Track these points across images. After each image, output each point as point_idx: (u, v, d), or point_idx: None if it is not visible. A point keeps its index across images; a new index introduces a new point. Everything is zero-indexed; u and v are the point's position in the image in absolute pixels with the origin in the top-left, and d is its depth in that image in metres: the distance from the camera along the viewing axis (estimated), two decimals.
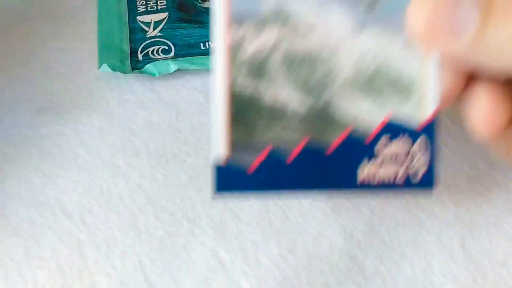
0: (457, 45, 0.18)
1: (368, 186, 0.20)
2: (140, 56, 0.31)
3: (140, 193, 0.27)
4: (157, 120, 0.29)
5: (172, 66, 0.30)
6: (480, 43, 0.17)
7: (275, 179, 0.20)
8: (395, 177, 0.20)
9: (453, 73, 0.20)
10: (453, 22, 0.17)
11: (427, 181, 0.20)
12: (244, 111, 0.20)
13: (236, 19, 0.20)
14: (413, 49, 0.20)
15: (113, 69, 0.30)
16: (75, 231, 0.26)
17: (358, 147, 0.20)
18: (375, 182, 0.20)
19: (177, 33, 0.32)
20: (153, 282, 0.24)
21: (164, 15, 0.33)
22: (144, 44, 0.32)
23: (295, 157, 0.20)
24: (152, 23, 0.33)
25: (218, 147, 0.20)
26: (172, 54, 0.31)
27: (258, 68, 0.20)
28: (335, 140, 0.20)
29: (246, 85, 0.20)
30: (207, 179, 0.27)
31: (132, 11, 0.33)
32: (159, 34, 0.32)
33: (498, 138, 0.21)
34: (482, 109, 0.20)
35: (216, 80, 0.20)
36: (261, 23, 0.20)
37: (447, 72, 0.20)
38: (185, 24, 0.32)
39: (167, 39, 0.32)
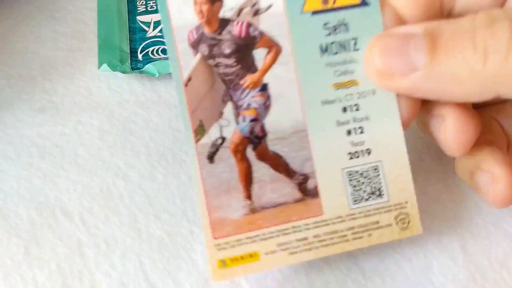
0: (408, 83, 0.20)
1: None
2: (140, 56, 0.31)
3: (140, 193, 0.27)
4: (157, 120, 0.29)
5: None
6: (429, 79, 0.19)
7: None
8: None
9: (412, 99, 0.22)
10: (402, 63, 0.20)
11: None
12: None
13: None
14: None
15: (113, 69, 0.30)
16: (75, 231, 0.26)
17: None
18: None
19: None
20: (153, 282, 0.24)
21: None
22: (144, 44, 0.32)
23: None
24: (152, 23, 0.33)
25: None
26: None
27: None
28: None
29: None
30: None
31: (132, 11, 0.33)
32: (159, 34, 0.32)
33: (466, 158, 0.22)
34: (450, 129, 0.21)
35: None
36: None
37: (406, 99, 0.22)
38: None
39: None
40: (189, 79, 0.22)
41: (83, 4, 0.34)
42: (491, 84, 0.19)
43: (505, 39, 0.18)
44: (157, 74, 0.30)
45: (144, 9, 0.33)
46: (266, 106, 0.22)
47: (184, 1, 0.21)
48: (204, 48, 0.22)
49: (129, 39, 0.32)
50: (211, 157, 0.22)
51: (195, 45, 0.22)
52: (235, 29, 0.22)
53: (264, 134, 0.22)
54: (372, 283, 0.24)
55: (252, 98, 0.22)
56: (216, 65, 0.22)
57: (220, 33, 0.22)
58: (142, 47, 0.31)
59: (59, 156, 0.28)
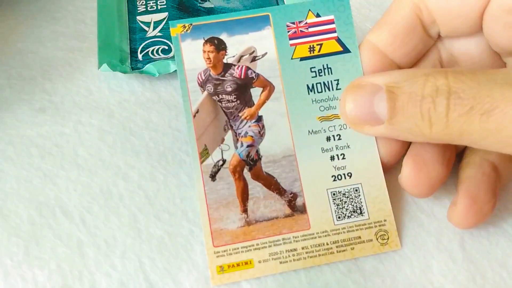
0: (375, 131, 0.24)
1: None
2: (140, 56, 0.31)
3: (140, 193, 0.27)
4: (157, 120, 0.29)
5: (172, 66, 0.30)
6: (392, 131, 0.23)
7: None
8: None
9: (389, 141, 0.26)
10: (369, 116, 0.23)
11: None
12: None
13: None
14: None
15: (113, 69, 0.30)
16: (75, 231, 0.26)
17: None
18: None
19: None
20: (153, 282, 0.24)
21: (164, 15, 0.33)
22: (144, 44, 0.32)
23: None
24: (152, 23, 0.33)
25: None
26: (172, 54, 0.31)
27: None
28: None
29: None
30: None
31: (132, 11, 0.33)
32: (159, 34, 0.32)
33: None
34: (406, 176, 0.25)
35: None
36: None
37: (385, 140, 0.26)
38: None
39: (167, 39, 0.32)
40: (197, 111, 0.26)
41: (83, 4, 0.34)
42: (442, 141, 0.22)
43: (443, 114, 0.21)
44: (157, 74, 0.30)
45: (144, 9, 0.33)
46: (260, 134, 0.26)
47: (195, 49, 0.26)
48: (210, 87, 0.26)
49: (129, 39, 0.32)
50: (213, 176, 0.25)
51: (202, 84, 0.26)
52: (236, 71, 0.26)
53: (258, 157, 0.26)
54: (372, 284, 0.24)
55: (249, 128, 0.26)
56: (220, 100, 0.26)
57: (223, 75, 0.26)
58: (142, 47, 0.31)
59: (59, 156, 0.28)
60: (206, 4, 0.34)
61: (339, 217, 0.25)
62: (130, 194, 0.27)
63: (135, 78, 0.31)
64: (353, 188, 0.25)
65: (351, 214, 0.25)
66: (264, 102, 0.26)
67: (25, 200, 0.27)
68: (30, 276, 0.24)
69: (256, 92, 0.26)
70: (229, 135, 0.26)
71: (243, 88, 0.26)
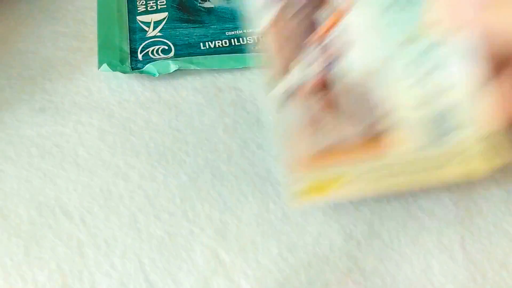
0: (487, 19, 0.17)
1: None
2: (140, 56, 0.31)
3: (140, 193, 0.27)
4: (157, 120, 0.29)
5: (172, 66, 0.30)
6: None
7: None
8: None
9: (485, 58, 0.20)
10: None
11: None
12: None
13: None
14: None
15: (113, 69, 0.30)
16: (75, 231, 0.26)
17: None
18: None
19: (177, 33, 0.32)
20: (153, 282, 0.24)
21: (164, 15, 0.33)
22: (144, 44, 0.32)
23: None
24: (152, 23, 0.33)
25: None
26: (172, 54, 0.31)
27: None
28: None
29: None
30: (207, 179, 0.27)
31: (132, 11, 0.33)
32: (159, 34, 0.32)
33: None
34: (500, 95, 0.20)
35: None
36: None
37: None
38: (185, 24, 0.32)
39: (167, 39, 0.32)
40: (273, 24, 0.24)
41: (83, 4, 0.34)
42: None
43: None
44: (157, 74, 0.30)
45: (144, 9, 0.33)
46: (338, 55, 0.23)
47: None
48: None
49: (129, 39, 0.32)
50: (286, 101, 0.23)
51: None
52: None
53: (337, 78, 0.23)
54: (372, 284, 0.24)
55: (329, 44, 0.23)
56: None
57: None
58: (142, 47, 0.31)
59: (59, 156, 0.28)
60: (206, 4, 0.34)
61: (426, 139, 0.23)
62: (130, 194, 0.27)
63: (135, 78, 0.31)
64: (442, 110, 0.23)
65: (443, 136, 0.23)
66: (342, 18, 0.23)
67: (25, 200, 0.27)
68: (30, 276, 0.24)
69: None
70: (305, 56, 0.24)
71: None
